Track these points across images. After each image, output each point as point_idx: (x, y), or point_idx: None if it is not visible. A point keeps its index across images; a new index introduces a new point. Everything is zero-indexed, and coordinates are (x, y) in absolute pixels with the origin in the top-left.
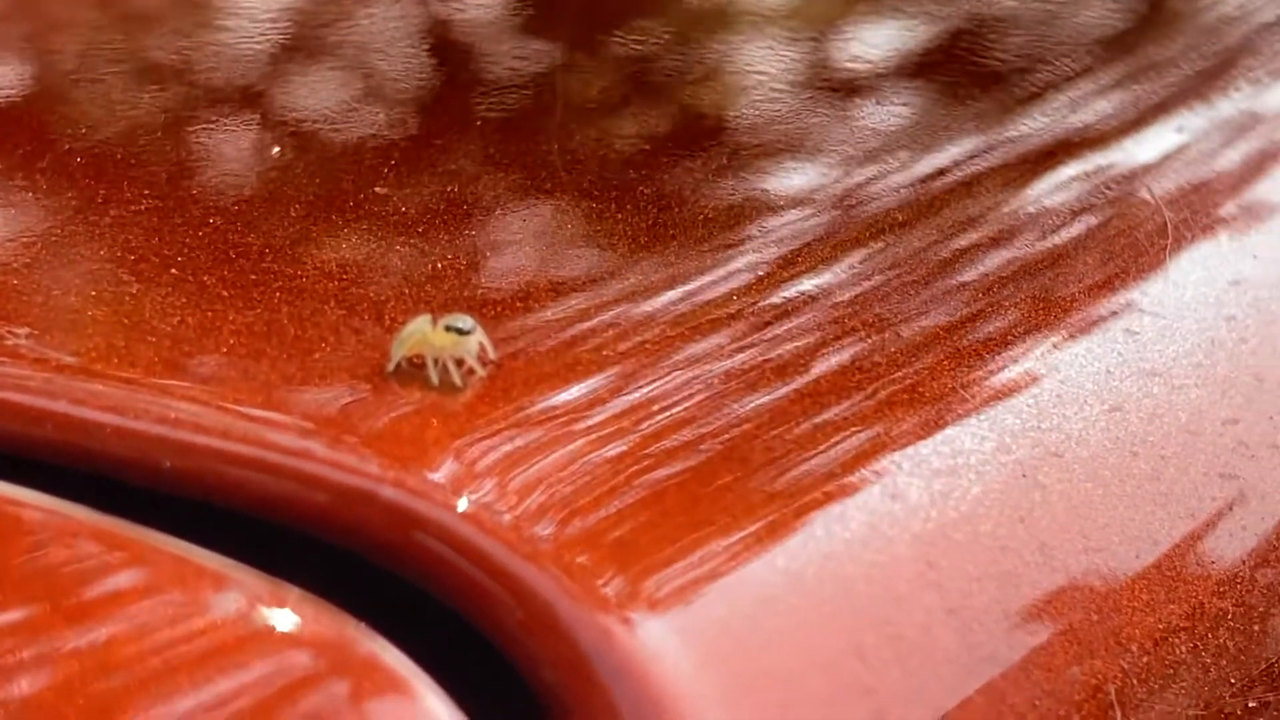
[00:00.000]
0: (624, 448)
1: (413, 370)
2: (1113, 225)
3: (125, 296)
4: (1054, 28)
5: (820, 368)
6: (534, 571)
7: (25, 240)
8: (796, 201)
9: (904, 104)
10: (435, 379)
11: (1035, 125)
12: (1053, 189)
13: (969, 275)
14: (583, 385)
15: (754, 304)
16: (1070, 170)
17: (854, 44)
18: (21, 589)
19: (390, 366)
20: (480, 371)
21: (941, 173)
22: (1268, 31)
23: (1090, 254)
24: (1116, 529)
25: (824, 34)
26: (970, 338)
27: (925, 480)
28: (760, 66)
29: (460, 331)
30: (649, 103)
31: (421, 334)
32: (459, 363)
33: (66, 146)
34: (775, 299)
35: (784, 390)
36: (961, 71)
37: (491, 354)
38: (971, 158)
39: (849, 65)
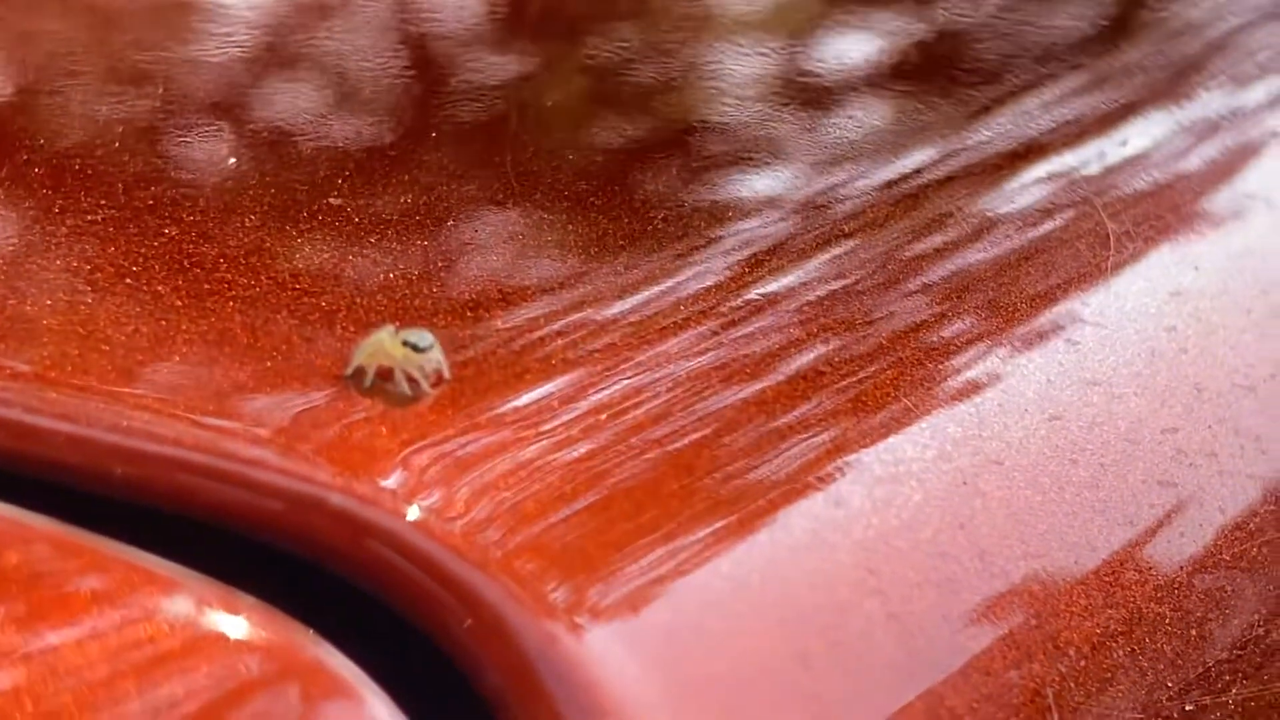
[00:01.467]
0: (573, 455)
1: (364, 377)
2: (1057, 236)
3: (80, 306)
4: (1013, 40)
5: (769, 376)
6: (482, 578)
7: None
8: (755, 209)
9: (866, 112)
10: (404, 389)
11: (987, 136)
12: (1002, 199)
13: (918, 283)
14: (533, 393)
15: (707, 311)
16: (1019, 181)
17: (820, 53)
18: None
19: (348, 370)
20: (426, 389)
21: (895, 182)
22: (1213, 48)
23: (1035, 264)
24: (1056, 536)
25: (791, 43)
26: (917, 345)
27: (867, 487)
28: (727, 74)
29: (416, 348)
30: (614, 110)
31: (379, 344)
32: (410, 378)
33: (24, 157)
34: (728, 306)
35: (732, 398)
36: (922, 82)
37: (446, 373)
38: (925, 168)
39: (814, 74)
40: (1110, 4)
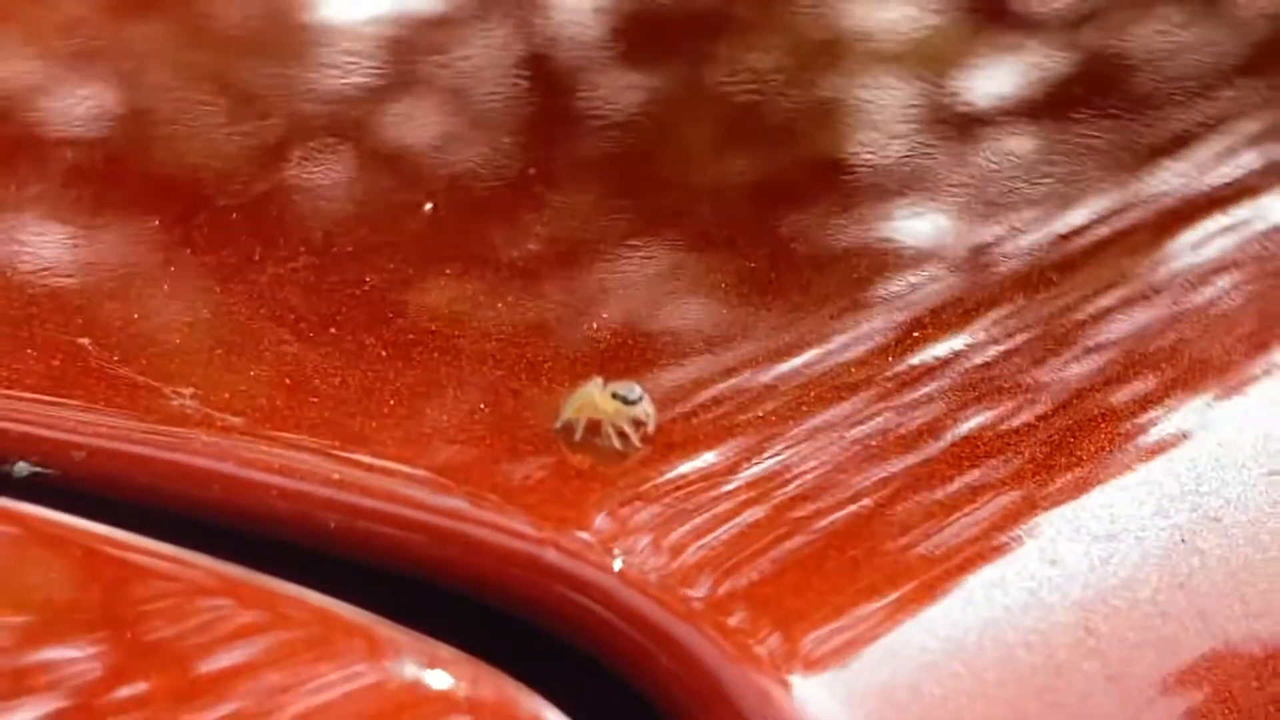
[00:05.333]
0: (768, 511)
1: (574, 431)
2: (1265, 282)
3: (286, 356)
4: (1193, 63)
5: (964, 429)
6: (690, 632)
7: (187, 298)
8: (911, 262)
9: (1031, 149)
10: (614, 443)
11: (1174, 175)
12: (1197, 244)
13: (1112, 335)
14: (719, 451)
15: (885, 370)
16: (1215, 224)
17: (976, 82)
18: (190, 652)
19: (557, 424)
20: (636, 444)
21: (1076, 232)
22: None
23: (1243, 312)
24: (1277, 594)
25: (943, 70)
26: (1119, 398)
27: (1084, 545)
28: (876, 105)
29: (626, 400)
30: (751, 144)
31: (588, 397)
32: (620, 432)
33: (221, 203)
34: (906, 364)
35: (930, 451)
36: (1092, 114)
37: (651, 427)
38: (1108, 215)
39: (971, 105)
40: None
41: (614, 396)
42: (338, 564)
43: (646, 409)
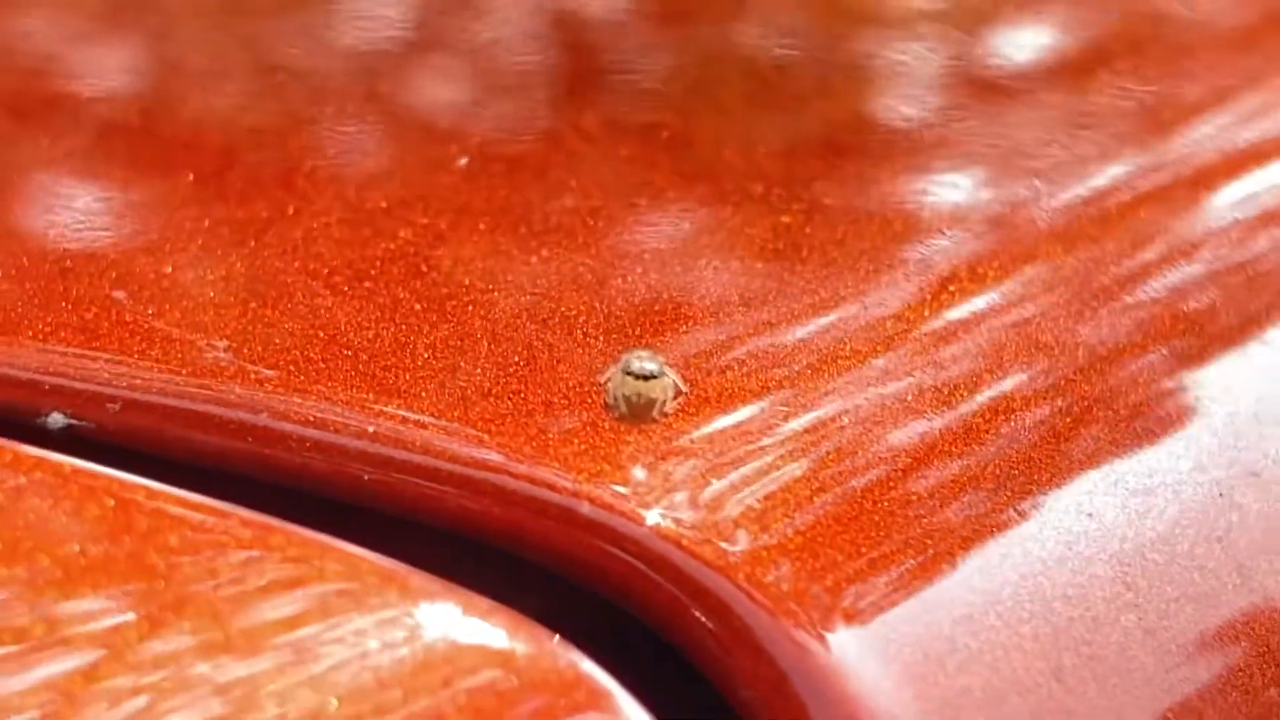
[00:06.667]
0: (804, 465)
1: (606, 395)
2: None
3: (320, 310)
4: (1230, 15)
5: (1000, 384)
6: (726, 585)
7: (220, 252)
8: (958, 214)
9: (1067, 105)
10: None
11: (1212, 130)
12: (1237, 201)
13: (1150, 291)
14: (754, 406)
15: (921, 326)
16: (1254, 180)
17: (1011, 37)
18: (225, 603)
19: (602, 378)
20: (657, 416)
21: (1114, 188)
22: None
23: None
24: None
25: (973, 33)
26: (1157, 353)
27: (1121, 499)
28: (910, 62)
29: (643, 377)
30: (794, 98)
31: (618, 371)
32: (644, 403)
33: (255, 158)
34: (943, 320)
35: (967, 407)
36: (1128, 68)
37: (682, 387)
38: (1145, 171)
39: (1006, 60)
40: None
41: (627, 373)
42: (372, 517)
43: (666, 384)
